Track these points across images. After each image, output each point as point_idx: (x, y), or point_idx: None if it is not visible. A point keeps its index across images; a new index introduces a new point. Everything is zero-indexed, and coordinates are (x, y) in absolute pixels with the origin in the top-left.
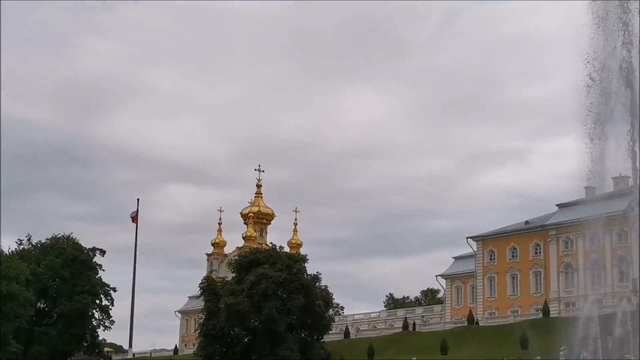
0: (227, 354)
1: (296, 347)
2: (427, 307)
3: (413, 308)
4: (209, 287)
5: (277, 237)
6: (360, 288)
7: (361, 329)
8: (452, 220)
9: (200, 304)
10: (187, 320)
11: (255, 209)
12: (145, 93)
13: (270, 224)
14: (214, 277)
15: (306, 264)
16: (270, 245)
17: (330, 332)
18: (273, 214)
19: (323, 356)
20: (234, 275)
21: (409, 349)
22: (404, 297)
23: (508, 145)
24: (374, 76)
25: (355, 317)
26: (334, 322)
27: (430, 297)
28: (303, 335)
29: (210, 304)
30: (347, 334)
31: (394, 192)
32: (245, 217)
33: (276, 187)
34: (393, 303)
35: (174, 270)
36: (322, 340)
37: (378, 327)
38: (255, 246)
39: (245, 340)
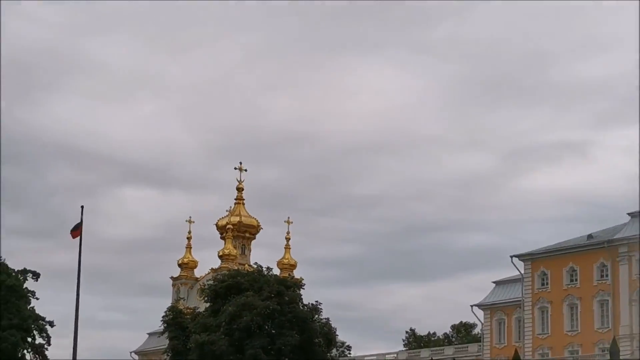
0: None
1: None
2: (459, 346)
3: (441, 348)
4: (175, 321)
5: (263, 255)
6: (372, 322)
7: None
8: (492, 235)
9: (163, 342)
10: None
11: (236, 219)
12: (91, 70)
13: (254, 238)
14: (181, 307)
15: (302, 291)
16: (255, 266)
17: None
18: (258, 225)
19: None
20: (207, 305)
21: None
22: (429, 333)
23: (564, 137)
24: (391, 48)
25: (367, 359)
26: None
27: (463, 333)
28: None
29: (176, 343)
30: None
31: (417, 198)
32: (222, 229)
33: (262, 191)
34: (415, 341)
35: (129, 299)
36: None
37: None
38: (236, 267)
39: None
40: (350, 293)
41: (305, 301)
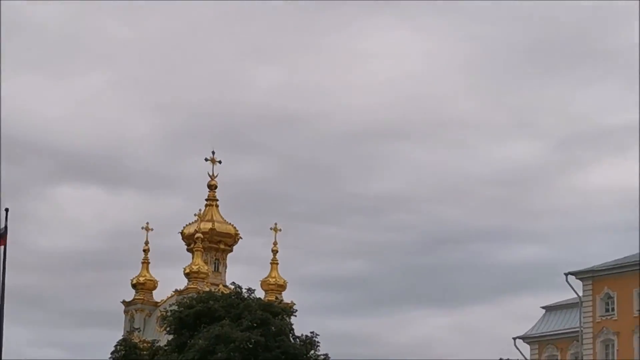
0: None
1: None
2: None
3: None
4: (128, 358)
5: (243, 273)
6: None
7: None
8: (542, 247)
9: None
10: None
11: (207, 226)
12: (15, 32)
13: (231, 251)
14: (136, 341)
15: (293, 319)
16: (233, 287)
17: None
18: (236, 234)
19: None
20: (170, 338)
21: None
22: None
23: (634, 120)
24: (411, 5)
25: None
26: None
27: None
28: None
29: None
30: None
31: (444, 200)
32: (189, 239)
33: (242, 190)
34: None
35: (67, 330)
36: None
37: None
38: (207, 289)
39: None
40: (357, 323)
41: (297, 332)
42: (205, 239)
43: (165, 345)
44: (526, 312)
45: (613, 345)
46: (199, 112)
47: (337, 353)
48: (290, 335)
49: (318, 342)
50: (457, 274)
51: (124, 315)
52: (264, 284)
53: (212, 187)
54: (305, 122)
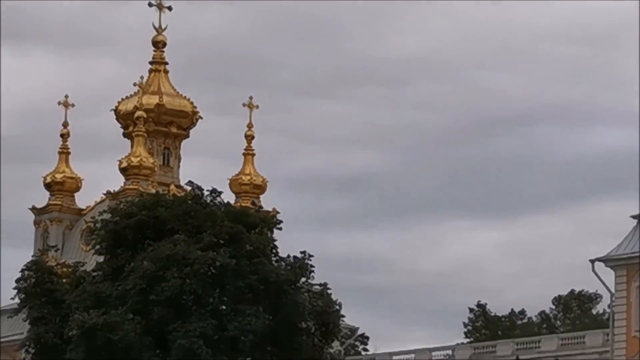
0: None
1: None
2: (569, 336)
3: (536, 338)
4: (42, 288)
5: (204, 169)
6: (408, 293)
7: None
8: (635, 130)
9: (19, 327)
10: None
11: (152, 100)
12: None
13: (187, 136)
14: (52, 263)
15: (276, 235)
16: (189, 188)
17: None
18: (194, 111)
19: None
20: (101, 259)
21: None
22: (512, 312)
23: None
24: None
25: (396, 359)
26: None
27: (576, 312)
28: None
29: (45, 329)
30: None
31: (494, 65)
32: (126, 119)
33: (201, 49)
34: (487, 327)
35: None
36: None
37: None
38: (154, 191)
39: None
40: (366, 241)
41: (282, 253)
42: (150, 120)
43: (93, 270)
44: (610, 225)
45: None
46: None
47: (338, 282)
48: (272, 256)
49: (312, 266)
50: (512, 171)
51: (34, 228)
52: (235, 184)
53: (158, 45)
54: None
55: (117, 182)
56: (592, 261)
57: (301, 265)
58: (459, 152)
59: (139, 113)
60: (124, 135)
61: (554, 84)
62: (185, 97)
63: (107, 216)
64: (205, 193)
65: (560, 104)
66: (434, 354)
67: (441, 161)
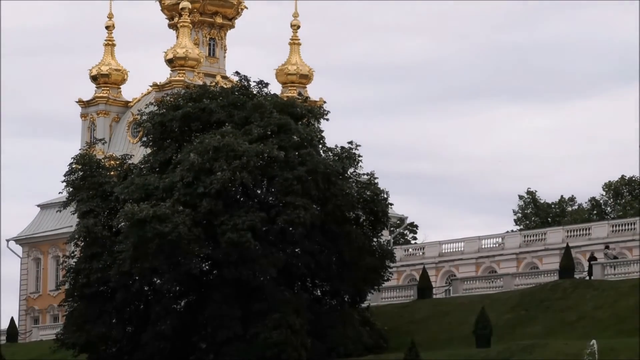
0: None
1: (300, 322)
2: (620, 220)
3: (586, 225)
4: (91, 182)
5: (250, 59)
6: (456, 181)
7: (460, 275)
8: None
9: (68, 220)
10: (36, 261)
11: None
12: None
13: (233, 26)
14: (100, 156)
15: (323, 124)
16: (236, 79)
17: (384, 283)
18: (239, 1)
19: (368, 344)
20: (148, 151)
21: (577, 322)
22: (563, 199)
23: None
24: None
25: (445, 247)
26: (393, 262)
27: (629, 194)
28: (318, 293)
29: (94, 221)
30: (423, 289)
31: None
32: (171, 10)
33: None
34: (537, 214)
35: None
36: (363, 306)
37: (502, 275)
38: (200, 82)
39: (180, 306)
40: (414, 128)
41: (329, 143)
42: (195, 10)
43: (141, 163)
44: None
45: None
46: None
47: (386, 171)
48: (320, 147)
49: (359, 156)
50: (561, 55)
51: (80, 121)
52: (281, 74)
53: None
54: None
55: (163, 73)
56: None
57: (349, 155)
58: (508, 38)
59: (183, 3)
60: (169, 26)
61: None
62: None
63: (153, 108)
64: (252, 84)
65: None
66: (483, 242)
67: (490, 47)
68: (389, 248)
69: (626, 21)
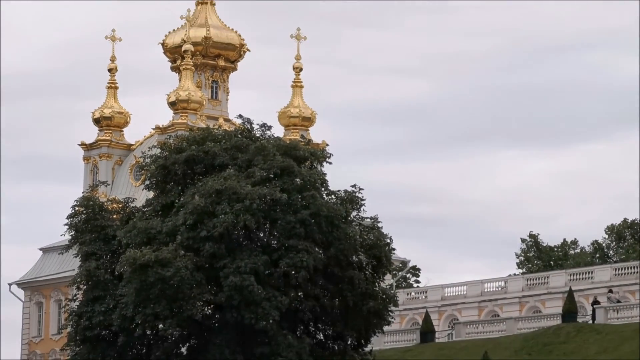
0: None
1: None
2: (623, 263)
3: (589, 269)
4: (93, 225)
5: (252, 101)
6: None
7: (463, 319)
8: None
9: (69, 264)
10: (39, 304)
11: (199, 33)
12: None
13: (235, 69)
14: (102, 199)
15: (326, 168)
16: (239, 122)
17: (386, 326)
18: (242, 45)
19: None
20: (151, 195)
21: None
22: (565, 242)
23: None
24: None
25: (448, 291)
26: (396, 306)
27: (632, 237)
28: (321, 337)
29: (94, 264)
30: (426, 333)
31: None
32: (174, 53)
33: None
34: (540, 257)
35: (5, 187)
36: (366, 350)
37: (505, 319)
38: (203, 125)
39: (182, 351)
40: (416, 171)
41: (333, 186)
42: (198, 53)
43: (143, 206)
44: None
45: None
46: None
47: (389, 214)
48: (323, 189)
49: (363, 198)
50: (563, 98)
51: (83, 164)
52: (284, 116)
53: None
54: None
55: (165, 116)
56: None
57: (352, 199)
58: (509, 80)
59: (186, 46)
60: (172, 69)
61: (605, 10)
62: (232, 29)
63: (156, 151)
64: (255, 127)
65: (611, 29)
66: (486, 285)
67: (491, 90)
68: (392, 292)
69: (626, 65)
